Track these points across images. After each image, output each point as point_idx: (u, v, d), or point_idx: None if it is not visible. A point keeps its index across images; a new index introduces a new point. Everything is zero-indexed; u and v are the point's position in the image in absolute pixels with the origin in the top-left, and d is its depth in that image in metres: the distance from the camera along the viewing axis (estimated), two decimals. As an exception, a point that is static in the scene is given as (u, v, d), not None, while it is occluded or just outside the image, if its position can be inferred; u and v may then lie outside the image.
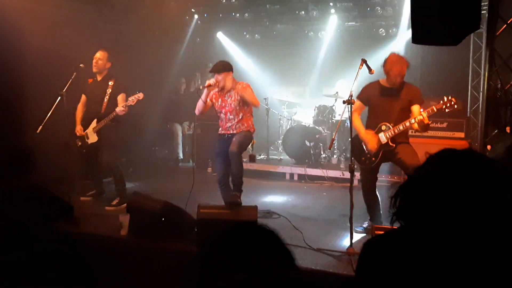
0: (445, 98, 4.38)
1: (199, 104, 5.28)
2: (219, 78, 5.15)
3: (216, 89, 5.29)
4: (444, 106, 4.38)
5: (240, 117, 5.23)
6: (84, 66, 5.82)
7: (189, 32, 9.73)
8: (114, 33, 7.51)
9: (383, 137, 4.62)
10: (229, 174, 5.24)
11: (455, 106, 4.37)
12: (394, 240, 1.36)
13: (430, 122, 4.41)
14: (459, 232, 1.22)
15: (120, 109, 5.64)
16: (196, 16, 9.91)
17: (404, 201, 1.36)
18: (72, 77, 5.72)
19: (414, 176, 1.37)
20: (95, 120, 5.86)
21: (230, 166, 5.14)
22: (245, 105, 5.26)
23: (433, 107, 4.38)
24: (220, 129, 5.38)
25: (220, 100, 5.29)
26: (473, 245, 1.21)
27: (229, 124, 5.25)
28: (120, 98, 5.86)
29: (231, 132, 5.24)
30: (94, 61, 5.83)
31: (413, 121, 4.44)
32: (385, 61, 4.61)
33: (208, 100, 5.29)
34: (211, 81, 5.16)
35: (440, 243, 1.24)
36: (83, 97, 6.06)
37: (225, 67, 5.21)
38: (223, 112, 5.27)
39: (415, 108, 4.55)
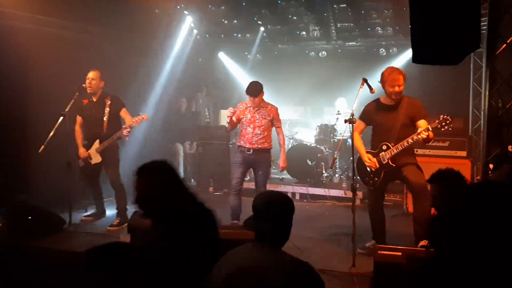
0: (441, 117, 4.36)
1: (230, 126, 5.78)
2: (256, 100, 5.58)
3: (249, 106, 5.70)
4: (439, 126, 4.35)
5: (265, 134, 5.67)
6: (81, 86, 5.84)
7: (191, 52, 9.81)
8: (116, 53, 7.58)
9: (383, 157, 4.62)
10: (242, 183, 5.72)
11: (451, 125, 4.34)
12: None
13: (427, 136, 4.37)
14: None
15: (127, 130, 5.64)
16: (198, 37, 10.00)
17: (442, 232, 1.33)
18: (75, 97, 5.74)
19: (452, 210, 1.35)
20: (98, 140, 5.86)
21: (244, 178, 5.86)
22: (272, 124, 5.76)
23: (428, 126, 4.38)
24: (243, 142, 5.68)
25: (249, 114, 5.67)
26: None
27: (255, 139, 5.62)
28: (123, 113, 5.86)
29: (256, 146, 5.61)
30: (87, 81, 5.78)
31: (406, 144, 4.44)
32: (381, 74, 4.65)
33: (235, 119, 5.69)
34: (229, 113, 5.62)
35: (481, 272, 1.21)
36: (79, 118, 6.02)
37: (259, 89, 5.63)
38: (251, 126, 5.64)
39: (422, 123, 4.52)
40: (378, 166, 4.65)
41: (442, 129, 4.36)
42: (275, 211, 2.35)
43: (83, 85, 5.81)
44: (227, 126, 5.93)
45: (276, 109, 5.81)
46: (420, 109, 4.62)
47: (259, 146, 5.63)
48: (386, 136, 4.64)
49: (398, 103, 4.64)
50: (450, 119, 4.31)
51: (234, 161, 5.84)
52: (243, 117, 5.68)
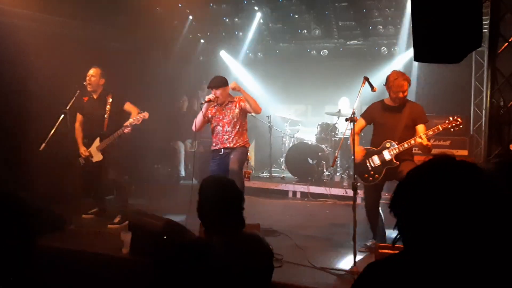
0: (451, 118, 4.43)
1: (198, 119, 5.35)
2: (218, 93, 5.24)
3: (214, 104, 5.36)
4: (449, 126, 4.45)
5: (237, 130, 5.30)
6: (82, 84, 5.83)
7: (192, 50, 9.81)
8: (117, 51, 7.57)
9: (387, 154, 4.63)
10: None
11: (461, 126, 4.45)
12: (394, 266, 1.33)
13: (430, 145, 4.45)
14: (455, 250, 1.20)
15: (127, 129, 5.62)
16: (199, 35, 9.99)
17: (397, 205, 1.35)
18: (76, 95, 5.74)
19: (401, 187, 1.36)
20: (98, 138, 5.85)
21: None
22: (243, 118, 5.36)
23: (439, 126, 4.41)
24: (215, 144, 5.39)
25: (217, 113, 5.36)
26: (471, 263, 1.19)
27: (226, 137, 5.29)
28: (128, 106, 5.81)
29: (228, 145, 5.27)
30: (87, 78, 5.76)
31: (413, 142, 4.49)
32: (387, 78, 4.70)
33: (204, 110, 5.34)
34: (211, 96, 5.26)
35: (439, 265, 1.21)
36: (79, 116, 6.00)
37: (222, 82, 5.31)
38: (220, 124, 5.32)
39: (420, 127, 4.60)
40: (380, 163, 4.68)
41: (452, 130, 4.47)
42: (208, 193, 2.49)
43: (84, 83, 5.80)
44: (195, 121, 5.38)
45: (241, 97, 5.34)
46: (422, 114, 4.69)
47: (231, 145, 5.26)
48: (390, 135, 4.68)
49: (401, 104, 4.70)
50: (461, 121, 4.39)
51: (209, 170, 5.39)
52: (213, 117, 5.36)
